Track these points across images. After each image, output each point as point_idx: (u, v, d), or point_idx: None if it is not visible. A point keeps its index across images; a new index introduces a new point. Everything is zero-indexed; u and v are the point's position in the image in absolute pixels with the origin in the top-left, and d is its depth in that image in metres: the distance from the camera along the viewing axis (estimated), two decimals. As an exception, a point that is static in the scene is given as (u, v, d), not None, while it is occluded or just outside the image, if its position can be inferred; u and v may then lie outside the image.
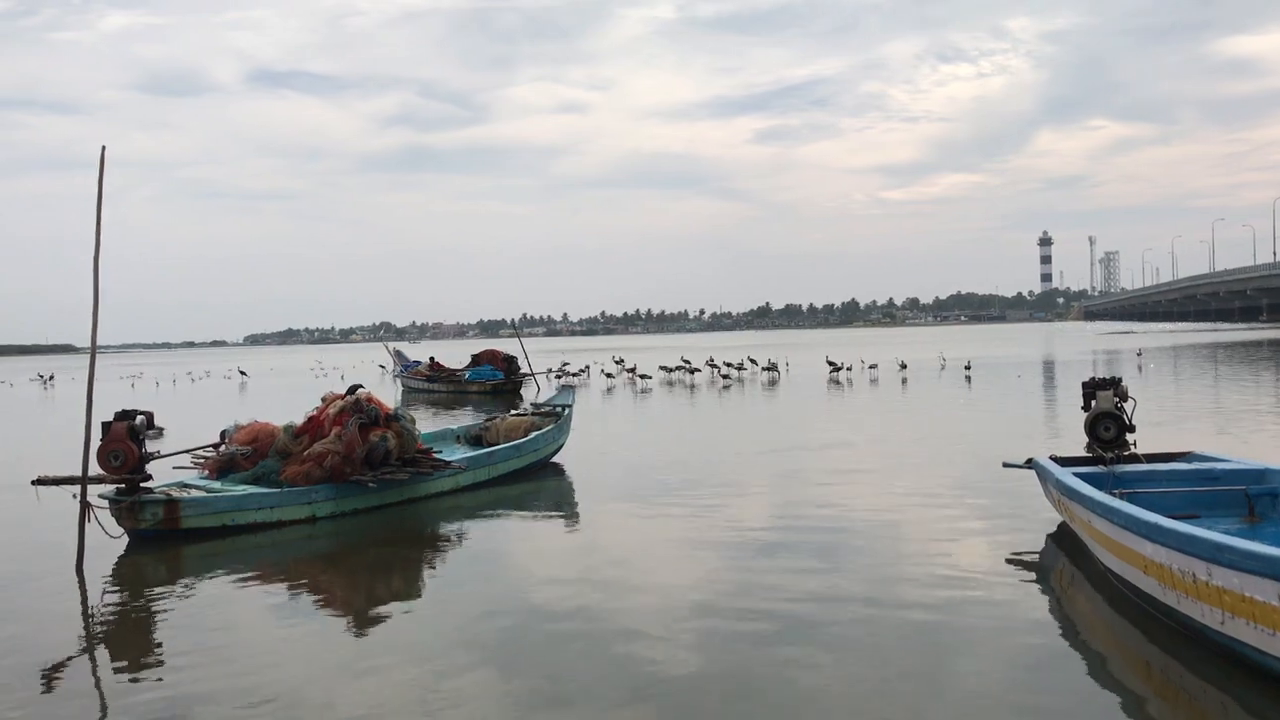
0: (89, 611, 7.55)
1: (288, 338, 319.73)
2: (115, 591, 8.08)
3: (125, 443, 9.38)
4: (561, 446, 14.67)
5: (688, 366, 38.46)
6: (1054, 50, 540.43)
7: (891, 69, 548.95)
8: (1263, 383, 27.38)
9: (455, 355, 40.58)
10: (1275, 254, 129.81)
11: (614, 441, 18.32)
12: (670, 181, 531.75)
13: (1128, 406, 9.40)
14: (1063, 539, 8.32)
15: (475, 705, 5.21)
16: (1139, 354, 42.97)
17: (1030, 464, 9.17)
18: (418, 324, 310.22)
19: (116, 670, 6.20)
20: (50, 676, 5.93)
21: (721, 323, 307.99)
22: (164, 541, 9.34)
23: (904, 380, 31.89)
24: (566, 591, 7.43)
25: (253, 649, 6.34)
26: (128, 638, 6.96)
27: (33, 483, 9.41)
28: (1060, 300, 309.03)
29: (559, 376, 39.45)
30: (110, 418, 9.44)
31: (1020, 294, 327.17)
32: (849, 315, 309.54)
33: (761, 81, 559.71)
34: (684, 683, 5.43)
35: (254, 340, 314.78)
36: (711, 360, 39.96)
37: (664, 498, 11.24)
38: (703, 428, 21.04)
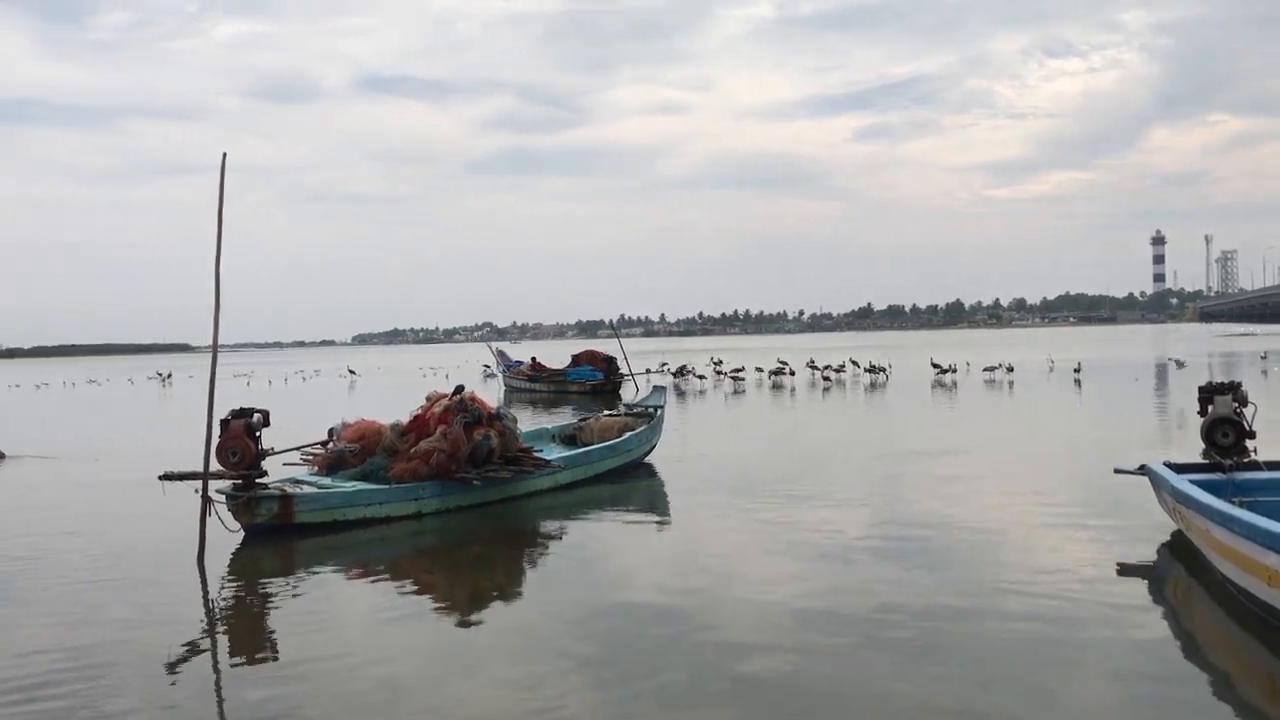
0: (209, 602, 7.84)
1: (393, 338, 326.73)
2: (233, 583, 8.38)
3: (242, 440, 9.73)
4: (654, 447, 14.73)
5: (784, 368, 38.19)
6: (1168, 42, 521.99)
7: (997, 65, 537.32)
8: (1396, 388, 26.01)
9: (555, 355, 41.01)
10: None
11: (708, 443, 18.29)
12: (768, 181, 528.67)
13: (1247, 411, 9.05)
14: (1178, 548, 8.02)
15: (575, 705, 5.27)
16: (1263, 357, 41.12)
17: (1143, 470, 8.88)
18: (518, 324, 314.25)
19: (233, 660, 6.46)
20: (173, 664, 6.18)
21: (821, 324, 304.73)
22: (278, 535, 9.66)
23: (1010, 383, 31.13)
24: (662, 592, 7.46)
25: (360, 642, 6.52)
26: (244, 628, 7.24)
27: (159, 478, 9.80)
28: (1174, 301, 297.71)
29: (675, 374, 39.57)
30: (227, 416, 9.81)
31: (1132, 295, 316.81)
32: (954, 316, 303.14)
33: (862, 79, 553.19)
34: (780, 689, 5.40)
35: (361, 340, 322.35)
36: (812, 362, 39.57)
37: (759, 500, 11.20)
38: (801, 430, 20.90)
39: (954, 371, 35.54)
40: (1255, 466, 8.40)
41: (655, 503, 12.26)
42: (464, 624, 7.07)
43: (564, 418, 20.82)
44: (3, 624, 7.03)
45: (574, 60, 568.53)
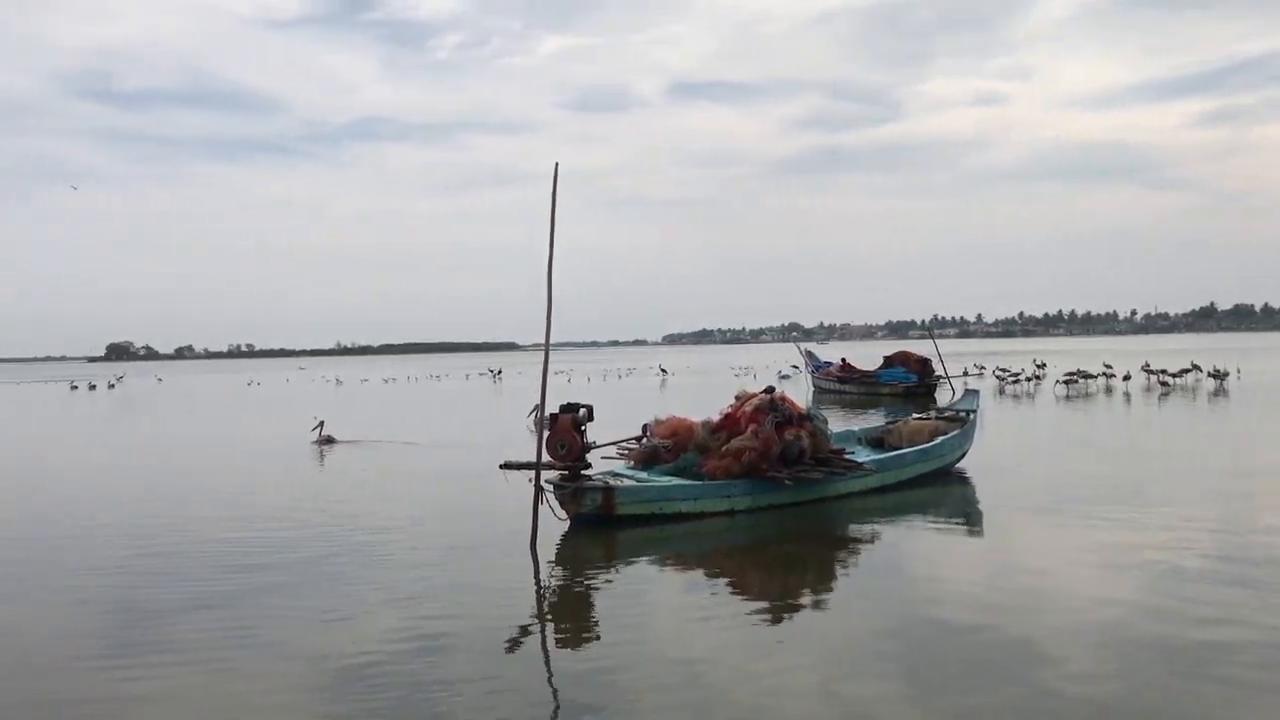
0: (540, 586, 8.43)
1: (702, 338, 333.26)
2: (560, 569, 8.99)
3: (570, 434, 10.38)
4: (966, 453, 14.27)
5: (1107, 372, 35.73)
6: None
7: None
8: None
9: (864, 356, 40.48)
10: None
11: (1026, 450, 17.49)
12: (1094, 172, 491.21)
13: None
14: None
15: (882, 718, 5.27)
16: None
17: None
18: (825, 324, 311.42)
19: (559, 640, 6.94)
20: (509, 641, 6.71)
21: (1156, 324, 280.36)
22: (601, 525, 10.22)
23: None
24: (974, 607, 7.26)
25: (671, 632, 6.82)
26: (569, 612, 7.75)
27: (500, 467, 10.69)
28: None
29: (1005, 379, 38.15)
30: (555, 410, 10.48)
31: None
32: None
33: (1206, 59, 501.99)
34: (1092, 712, 5.16)
35: (671, 340, 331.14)
36: (1147, 365, 36.73)
37: (1082, 514, 10.58)
38: (1130, 439, 19.37)
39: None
40: None
41: (967, 512, 11.89)
42: (773, 623, 7.17)
43: (873, 420, 20.55)
44: (353, 599, 7.79)
45: (885, 55, 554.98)
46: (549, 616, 7.58)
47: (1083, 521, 10.23)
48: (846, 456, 12.07)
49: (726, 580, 8.67)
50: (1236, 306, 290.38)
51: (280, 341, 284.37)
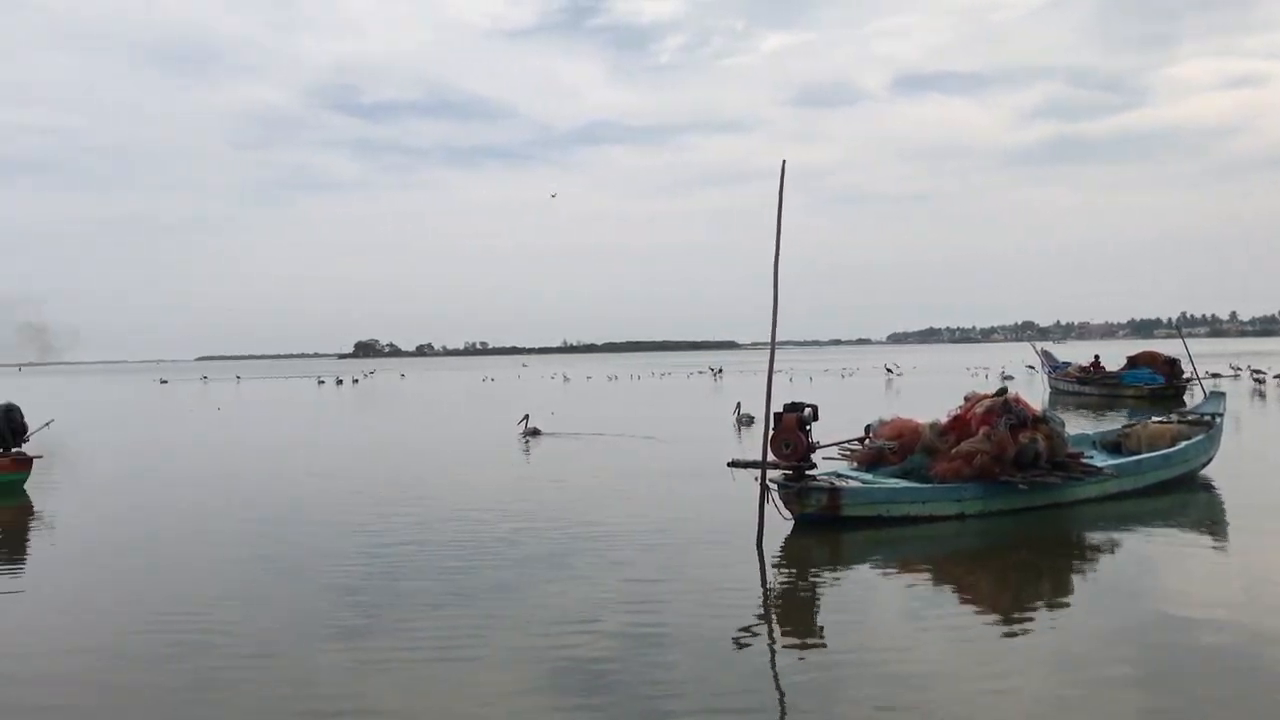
0: (765, 587, 8.46)
1: (928, 336, 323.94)
2: (785, 568, 9.01)
3: (795, 433, 10.40)
4: (1211, 459, 13.34)
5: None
6: None
7: None
8: None
9: (1106, 356, 38.24)
10: None
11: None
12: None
13: None
14: None
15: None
16: None
17: None
18: (1062, 323, 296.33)
19: (783, 645, 6.91)
20: (734, 643, 6.78)
21: None
22: (825, 526, 10.18)
23: None
24: (1222, 625, 6.84)
25: (896, 642, 6.68)
26: (792, 616, 7.73)
27: (728, 464, 10.86)
28: None
29: (1263, 380, 35.45)
30: (780, 409, 10.49)
31: None
32: None
33: None
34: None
35: (896, 339, 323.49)
36: None
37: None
38: None
39: None
40: None
41: (1213, 522, 11.17)
42: (1005, 636, 6.95)
43: (1113, 424, 19.51)
44: (580, 595, 7.97)
45: (1127, 39, 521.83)
46: (774, 619, 7.57)
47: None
48: (1085, 460, 11.57)
49: (955, 587, 8.48)
50: None
51: (512, 340, 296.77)
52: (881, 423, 12.10)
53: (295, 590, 8.34)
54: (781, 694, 5.81)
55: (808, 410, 10.53)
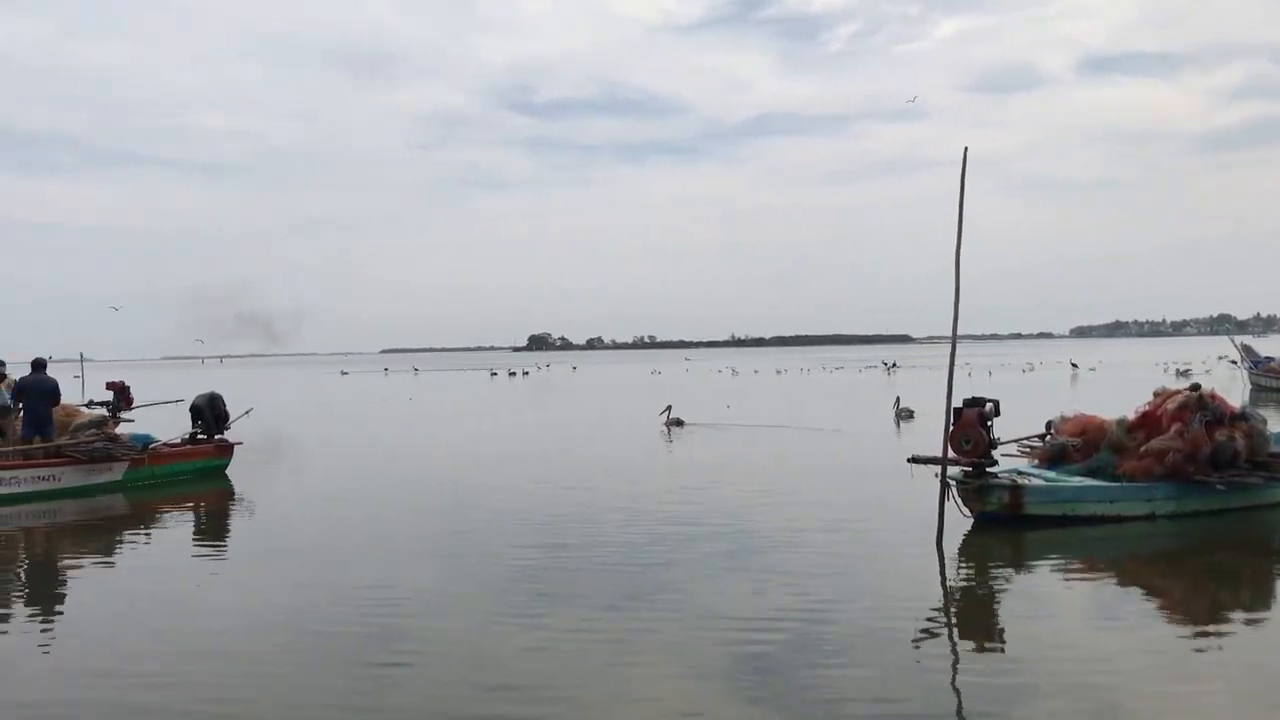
0: (945, 585, 8.32)
1: (1114, 330, 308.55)
2: (966, 567, 8.87)
3: (975, 429, 10.19)
4: None
5: None
6: None
7: None
8: None
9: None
10: None
11: None
12: None
13: None
14: None
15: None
16: None
17: None
18: (1263, 315, 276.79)
19: (961, 645, 6.76)
20: (912, 641, 6.67)
21: None
22: (1006, 524, 9.96)
23: None
24: None
25: (1080, 647, 6.43)
26: (972, 615, 7.60)
27: (908, 460, 10.74)
28: None
29: None
30: (960, 404, 10.30)
31: None
32: None
33: None
34: None
35: (1080, 333, 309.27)
36: None
37: None
38: None
39: None
40: None
41: None
42: (1199, 646, 6.63)
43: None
44: (754, 589, 8.00)
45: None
46: (953, 618, 7.47)
47: None
48: (1289, 460, 10.90)
49: (1145, 591, 8.17)
50: None
51: (679, 333, 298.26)
52: (1063, 419, 11.75)
53: (479, 575, 8.66)
54: (960, 700, 5.68)
55: (989, 405, 10.30)
